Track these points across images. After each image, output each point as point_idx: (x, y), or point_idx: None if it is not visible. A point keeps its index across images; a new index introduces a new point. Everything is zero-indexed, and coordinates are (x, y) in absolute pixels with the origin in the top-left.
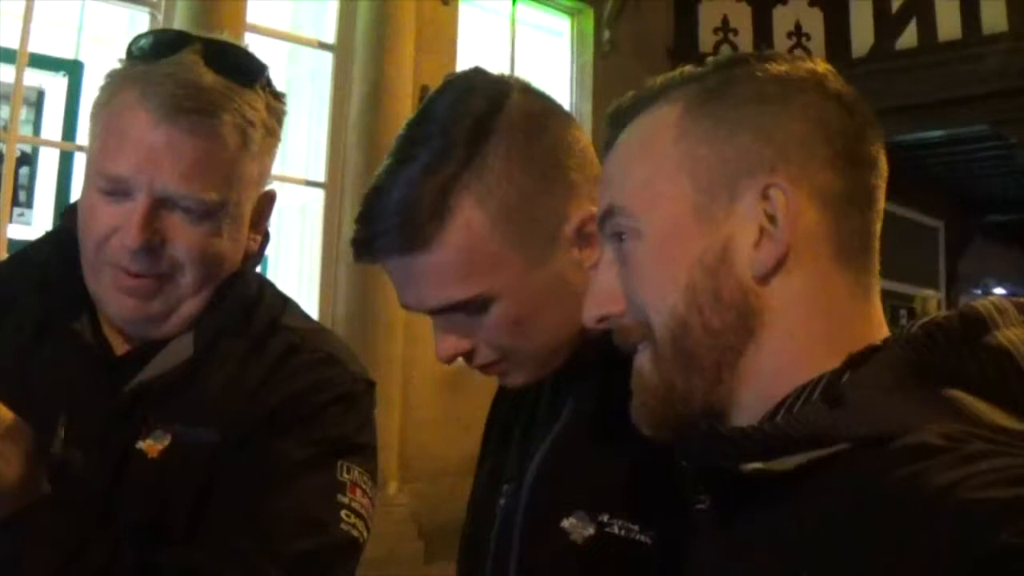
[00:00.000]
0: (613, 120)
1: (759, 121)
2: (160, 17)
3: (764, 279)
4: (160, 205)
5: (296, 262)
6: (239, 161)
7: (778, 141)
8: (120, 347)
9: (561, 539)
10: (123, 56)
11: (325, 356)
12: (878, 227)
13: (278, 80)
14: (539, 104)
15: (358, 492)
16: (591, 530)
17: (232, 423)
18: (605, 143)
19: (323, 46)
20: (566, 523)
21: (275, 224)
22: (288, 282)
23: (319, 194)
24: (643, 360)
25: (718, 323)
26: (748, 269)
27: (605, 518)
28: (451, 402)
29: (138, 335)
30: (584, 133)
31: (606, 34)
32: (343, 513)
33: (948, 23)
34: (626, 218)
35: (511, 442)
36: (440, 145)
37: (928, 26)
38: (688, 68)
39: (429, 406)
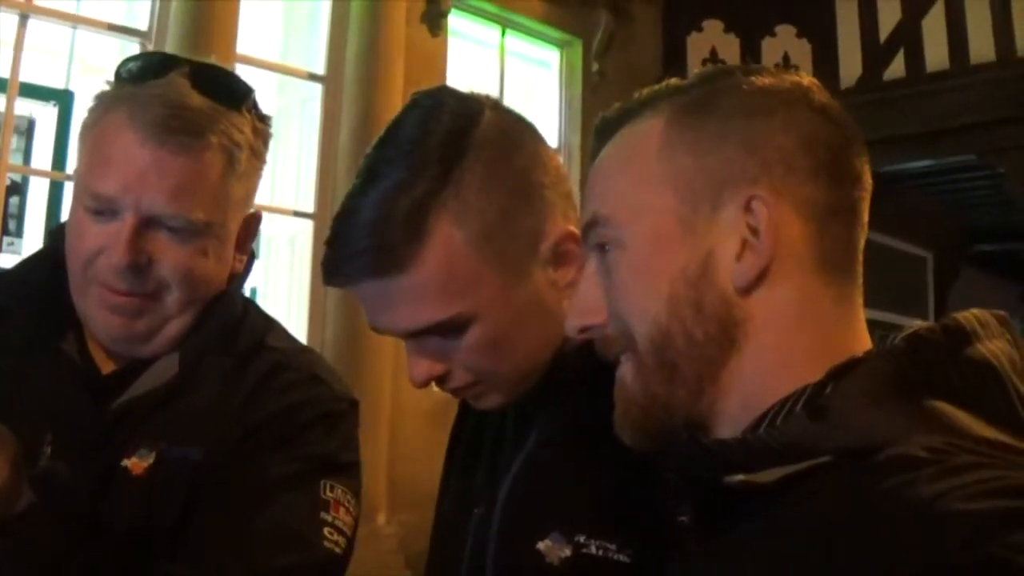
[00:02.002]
0: (599, 131)
1: (743, 133)
2: (151, 48)
3: (746, 291)
4: (147, 224)
5: (285, 293)
6: (225, 182)
7: (762, 153)
8: (106, 366)
9: (537, 561)
10: (111, 79)
11: (309, 375)
12: (862, 240)
13: (267, 110)
14: (512, 121)
15: (341, 510)
16: (567, 551)
17: (216, 441)
18: (592, 154)
19: (313, 77)
20: (542, 545)
21: (264, 255)
22: (277, 313)
23: (308, 225)
24: (625, 371)
25: (700, 334)
26: (730, 281)
27: (581, 538)
28: (439, 431)
29: (124, 354)
30: (554, 150)
31: (595, 66)
32: (326, 531)
33: (936, 54)
34: (609, 229)
35: (478, 463)
36: (412, 163)
37: (916, 57)
38: (674, 80)
39: (417, 436)
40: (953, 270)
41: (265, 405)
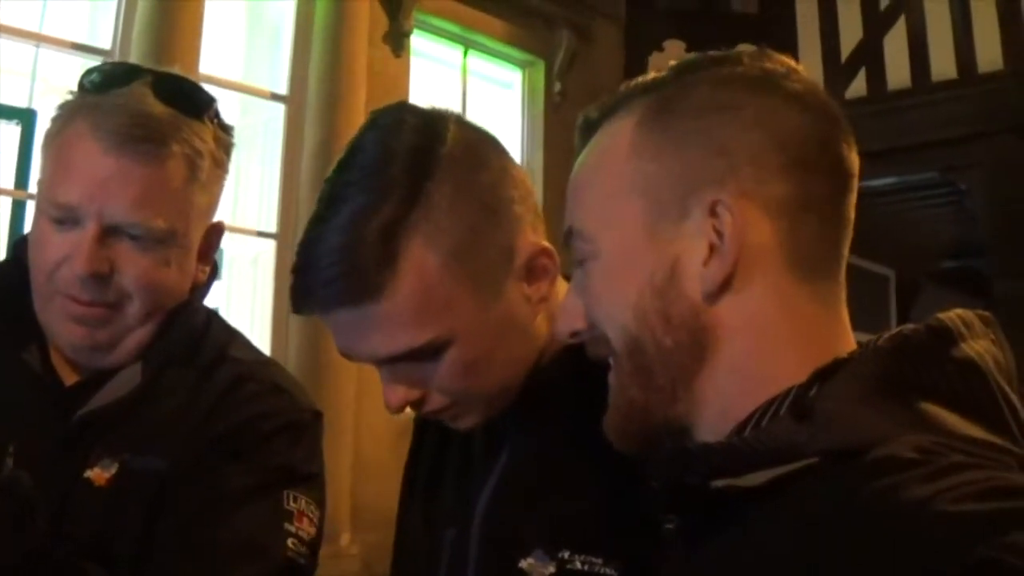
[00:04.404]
0: (582, 131)
1: (710, 133)
2: None
3: (713, 297)
4: (109, 233)
5: (248, 313)
6: (188, 191)
7: (729, 153)
8: (69, 377)
9: None
10: (74, 88)
11: (272, 386)
12: (844, 234)
13: None
14: (477, 136)
15: (305, 521)
16: (551, 568)
17: (180, 451)
18: (575, 154)
19: (275, 97)
20: (524, 563)
21: (226, 275)
22: None
23: (271, 245)
24: (612, 376)
25: (670, 342)
26: (698, 288)
27: (565, 554)
28: (404, 450)
29: (86, 364)
30: (516, 162)
31: (557, 86)
32: (290, 541)
33: (898, 72)
34: (583, 241)
35: (443, 484)
36: (377, 185)
37: (878, 75)
38: (652, 74)
39: (381, 455)
40: (915, 287)
41: (228, 416)
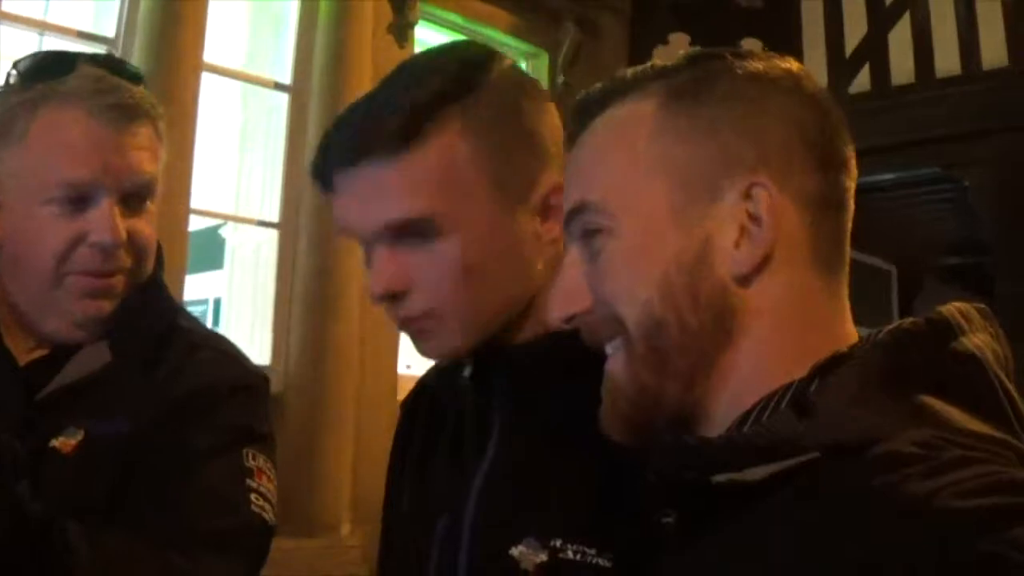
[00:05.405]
0: (579, 111)
1: (739, 121)
2: (117, 54)
3: (744, 280)
4: (122, 201)
5: (250, 302)
6: (160, 148)
7: (759, 141)
8: (22, 357)
9: (511, 568)
10: (14, 80)
11: (223, 353)
12: (849, 229)
13: (233, 119)
14: (525, 74)
15: (264, 478)
16: (543, 556)
17: (141, 415)
18: (569, 136)
19: (279, 87)
20: (515, 551)
21: (228, 264)
22: (241, 322)
23: (273, 234)
24: (615, 363)
25: (695, 323)
26: (728, 269)
27: (558, 543)
28: None
29: (70, 341)
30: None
31: (561, 78)
32: (252, 496)
33: (901, 68)
34: (599, 215)
35: (434, 472)
36: (427, 76)
37: (882, 70)
38: (659, 62)
39: (382, 447)
40: (917, 283)
41: (185, 381)
